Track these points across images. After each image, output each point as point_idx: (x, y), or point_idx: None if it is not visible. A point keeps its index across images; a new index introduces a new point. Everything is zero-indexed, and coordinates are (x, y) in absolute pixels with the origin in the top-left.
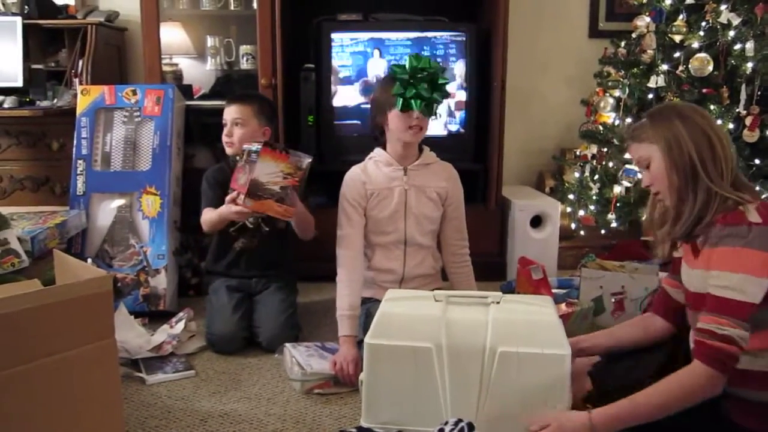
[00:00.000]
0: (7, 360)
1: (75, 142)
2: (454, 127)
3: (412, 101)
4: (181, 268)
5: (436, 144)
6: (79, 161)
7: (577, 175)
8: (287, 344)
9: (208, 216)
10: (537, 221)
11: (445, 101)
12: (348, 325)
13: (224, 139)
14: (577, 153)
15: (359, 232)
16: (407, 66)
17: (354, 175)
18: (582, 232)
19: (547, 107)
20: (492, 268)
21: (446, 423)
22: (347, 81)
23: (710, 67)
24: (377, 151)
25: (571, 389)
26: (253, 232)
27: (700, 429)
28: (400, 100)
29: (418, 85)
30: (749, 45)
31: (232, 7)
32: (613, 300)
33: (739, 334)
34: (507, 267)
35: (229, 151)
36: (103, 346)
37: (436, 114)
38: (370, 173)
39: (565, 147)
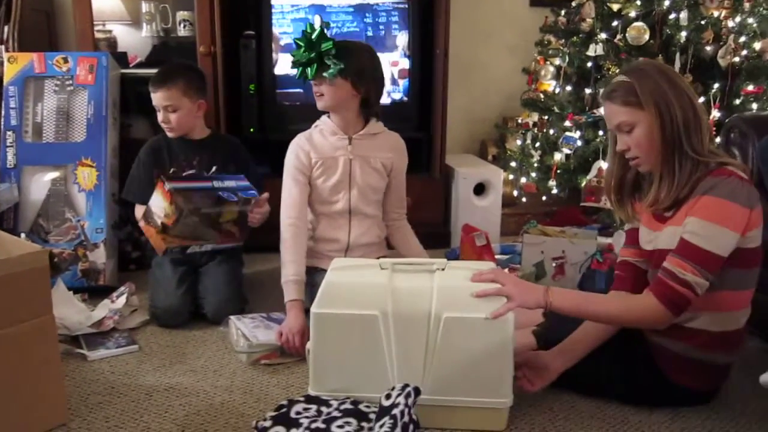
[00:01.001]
0: None
1: (3, 112)
2: (397, 96)
3: (297, 69)
4: (120, 241)
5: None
6: (9, 132)
7: (519, 143)
8: (232, 317)
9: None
10: (480, 189)
11: (390, 69)
12: (294, 289)
13: (162, 125)
14: (519, 121)
15: (303, 200)
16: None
17: (299, 143)
18: (524, 199)
19: (490, 76)
20: (437, 236)
21: (393, 388)
22: (289, 48)
23: (646, 36)
24: (323, 119)
25: (516, 349)
26: None
27: (640, 384)
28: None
29: (298, 51)
30: (683, 14)
31: None
32: (554, 264)
33: (699, 282)
34: (451, 235)
35: (171, 134)
36: (41, 323)
37: (323, 76)
38: (315, 142)
39: (507, 115)
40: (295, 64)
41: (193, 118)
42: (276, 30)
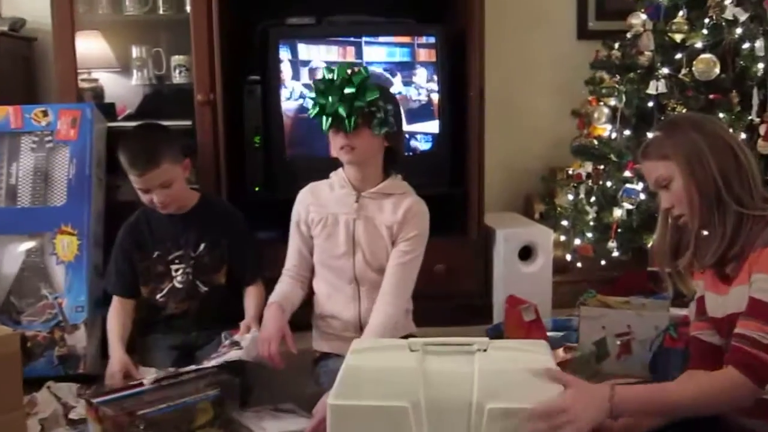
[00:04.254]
0: None
1: None
2: (424, 146)
3: (322, 118)
4: (104, 321)
5: (403, 166)
6: None
7: (570, 197)
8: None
9: (110, 323)
10: (526, 253)
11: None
12: (271, 300)
13: (157, 206)
14: (570, 172)
15: (304, 251)
16: (324, 78)
17: (302, 194)
18: (579, 264)
19: (533, 119)
20: (475, 309)
21: None
22: (300, 95)
23: (717, 70)
24: (338, 171)
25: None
26: (186, 294)
27: None
28: (320, 119)
29: (326, 99)
30: (759, 44)
31: (161, 11)
32: (618, 342)
33: None
34: (493, 308)
35: (166, 211)
36: (10, 420)
37: (376, 128)
38: (320, 195)
39: (555, 165)
40: (320, 113)
41: (184, 183)
42: (284, 75)
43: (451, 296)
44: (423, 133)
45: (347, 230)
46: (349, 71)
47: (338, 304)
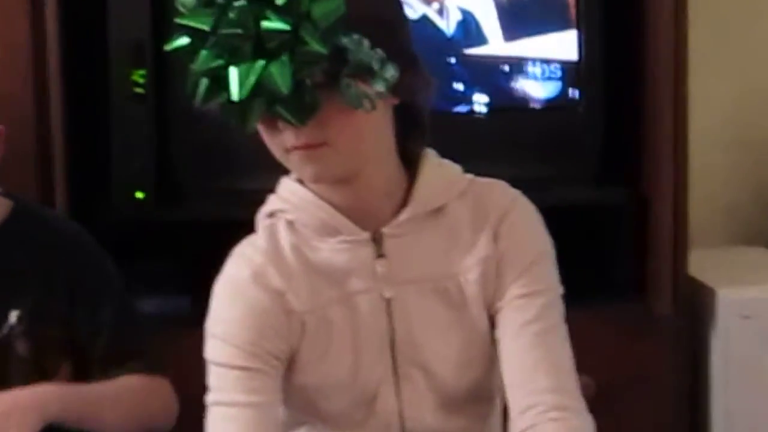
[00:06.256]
0: None
1: None
2: (540, 91)
3: (214, 91)
4: None
5: (512, 130)
6: None
7: None
8: None
9: None
10: None
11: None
12: None
13: None
14: None
15: (264, 411)
16: None
17: (249, 270)
18: None
19: None
20: None
21: None
22: None
23: None
24: (298, 195)
25: None
26: None
27: None
28: (198, 87)
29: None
30: None
31: None
32: None
33: None
34: None
35: None
36: None
37: (358, 104)
38: (289, 262)
39: None
40: (211, 81)
41: None
42: None
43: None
44: (540, 61)
45: (377, 326)
46: None
47: None
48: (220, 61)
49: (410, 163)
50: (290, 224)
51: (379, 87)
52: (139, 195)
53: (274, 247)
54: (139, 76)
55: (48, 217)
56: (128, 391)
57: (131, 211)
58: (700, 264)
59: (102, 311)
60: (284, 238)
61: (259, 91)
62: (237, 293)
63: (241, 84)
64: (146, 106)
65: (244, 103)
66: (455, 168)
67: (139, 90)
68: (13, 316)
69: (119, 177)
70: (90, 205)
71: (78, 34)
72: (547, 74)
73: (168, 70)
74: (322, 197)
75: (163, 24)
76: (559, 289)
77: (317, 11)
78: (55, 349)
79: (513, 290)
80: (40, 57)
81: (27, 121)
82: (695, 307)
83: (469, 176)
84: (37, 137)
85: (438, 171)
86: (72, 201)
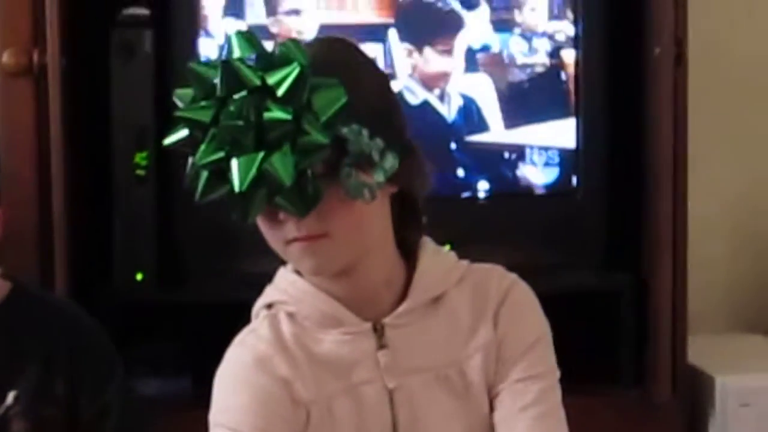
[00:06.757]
0: None
1: None
2: (540, 177)
3: (211, 184)
4: None
5: (508, 219)
6: None
7: None
8: None
9: None
10: None
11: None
12: None
13: None
14: None
15: None
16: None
17: (253, 356)
18: None
19: None
20: None
21: None
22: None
23: None
24: (296, 286)
25: None
26: None
27: None
28: (197, 180)
29: (219, 137)
30: None
31: None
32: None
33: None
34: None
35: None
36: None
37: (359, 195)
38: (293, 351)
39: None
40: (209, 171)
41: None
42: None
43: None
44: (540, 149)
45: (380, 417)
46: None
47: None
48: (221, 154)
49: (407, 251)
50: (291, 316)
51: (379, 177)
52: (140, 276)
53: (277, 337)
54: (141, 158)
55: (47, 298)
56: None
57: (132, 292)
58: (700, 351)
59: (107, 393)
60: (286, 328)
61: (261, 182)
62: (242, 380)
63: (244, 176)
64: (148, 187)
65: (246, 195)
66: (451, 255)
67: (141, 172)
68: (11, 396)
69: (120, 258)
70: (91, 287)
71: (81, 117)
72: (547, 161)
73: (170, 152)
74: (320, 288)
75: (166, 107)
76: (557, 372)
77: (318, 101)
78: (55, 430)
79: (512, 374)
80: (43, 139)
81: (29, 202)
82: (694, 394)
83: (465, 262)
84: (39, 218)
85: (436, 259)
86: (73, 282)
